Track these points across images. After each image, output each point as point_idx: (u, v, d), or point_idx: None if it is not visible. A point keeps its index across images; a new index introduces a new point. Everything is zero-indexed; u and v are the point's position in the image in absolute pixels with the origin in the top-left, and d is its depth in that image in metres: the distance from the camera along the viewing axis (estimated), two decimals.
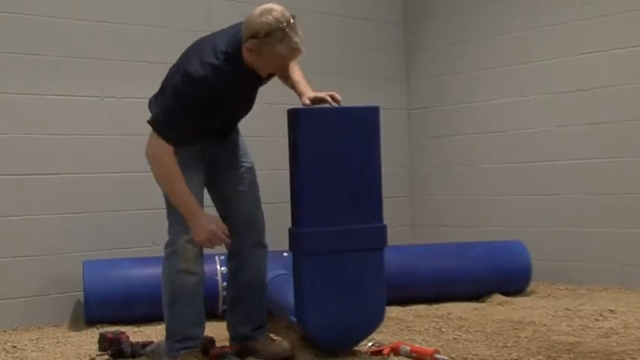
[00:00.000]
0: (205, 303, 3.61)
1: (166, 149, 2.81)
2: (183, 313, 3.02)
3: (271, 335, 3.34)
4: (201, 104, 2.82)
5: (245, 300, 3.26)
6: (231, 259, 3.27)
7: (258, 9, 2.81)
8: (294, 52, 2.83)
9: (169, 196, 2.93)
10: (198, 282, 3.05)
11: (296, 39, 2.80)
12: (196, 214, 2.87)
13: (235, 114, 3.11)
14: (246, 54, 2.84)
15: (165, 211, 3.09)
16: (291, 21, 2.79)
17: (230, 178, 3.17)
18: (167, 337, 3.07)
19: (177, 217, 2.96)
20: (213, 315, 3.90)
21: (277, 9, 2.79)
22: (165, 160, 2.81)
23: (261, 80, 3.02)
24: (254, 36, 2.78)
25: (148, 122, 2.88)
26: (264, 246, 3.27)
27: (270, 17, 2.75)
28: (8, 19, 4.16)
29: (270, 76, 3.01)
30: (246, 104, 3.10)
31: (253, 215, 3.20)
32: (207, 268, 3.67)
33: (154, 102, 3.08)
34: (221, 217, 3.15)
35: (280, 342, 3.28)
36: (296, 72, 3.18)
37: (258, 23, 2.77)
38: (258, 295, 3.27)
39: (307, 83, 3.16)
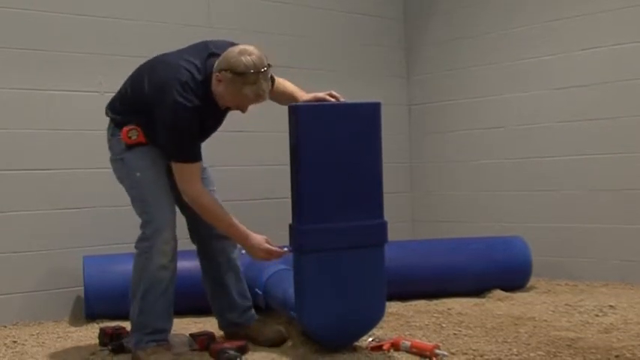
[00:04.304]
0: (207, 299, 3.63)
1: (198, 189, 3.02)
2: (155, 306, 3.07)
3: (262, 319, 3.45)
4: (193, 126, 2.96)
5: (224, 292, 3.37)
6: (200, 255, 3.39)
7: (239, 47, 2.93)
8: (258, 97, 2.94)
9: (220, 229, 3.13)
10: (172, 277, 3.11)
11: (264, 87, 2.92)
12: (248, 238, 3.08)
13: (209, 131, 3.20)
14: (214, 83, 2.97)
15: None
16: (266, 69, 2.91)
17: None
18: (135, 330, 3.11)
19: (151, 215, 3.08)
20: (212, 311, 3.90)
21: (256, 54, 2.90)
22: (204, 204, 3.04)
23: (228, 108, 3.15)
24: (228, 70, 2.88)
25: (172, 162, 3.03)
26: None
27: (249, 59, 2.86)
28: (8, 14, 4.15)
29: (228, 108, 3.10)
30: (217, 123, 3.22)
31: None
32: None
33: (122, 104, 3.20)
34: (184, 215, 3.30)
35: (273, 326, 3.40)
36: (287, 84, 3.26)
37: (236, 60, 2.88)
38: (236, 282, 3.38)
39: (301, 90, 3.25)
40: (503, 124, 5.35)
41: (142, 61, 4.44)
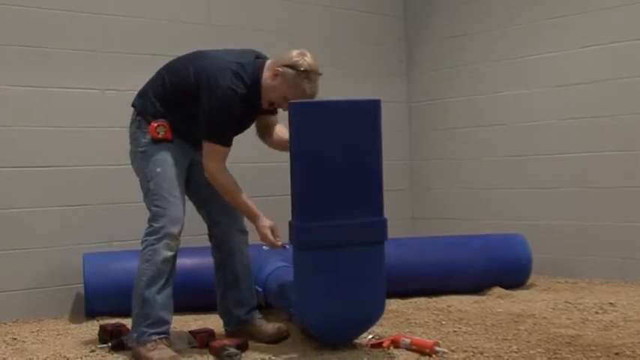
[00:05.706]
0: (207, 296, 3.63)
1: (221, 167, 3.17)
2: (157, 297, 3.13)
3: (263, 317, 3.48)
4: (236, 112, 3.13)
5: (237, 286, 3.42)
6: (216, 249, 3.44)
7: (297, 50, 3.19)
8: (312, 94, 3.17)
9: (234, 206, 3.26)
10: (172, 270, 3.19)
11: (318, 87, 3.19)
12: (257, 218, 3.24)
13: (242, 128, 3.32)
14: (268, 76, 3.17)
15: None
16: (320, 74, 3.19)
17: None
18: (137, 324, 3.14)
19: (163, 210, 3.15)
20: (214, 308, 3.91)
21: (311, 56, 3.17)
22: (223, 181, 3.19)
23: (261, 109, 3.29)
24: (292, 67, 3.13)
25: (204, 141, 3.16)
26: (246, 232, 3.43)
27: (309, 61, 3.15)
28: (9, 11, 4.15)
29: (270, 105, 3.25)
30: (249, 122, 3.36)
31: (230, 204, 3.31)
32: (209, 260, 3.67)
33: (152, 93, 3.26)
34: (201, 212, 3.42)
35: (274, 324, 3.44)
36: (284, 131, 3.33)
37: (298, 60, 3.14)
38: (248, 279, 3.45)
39: None
40: (504, 121, 5.35)
41: (142, 58, 4.49)
